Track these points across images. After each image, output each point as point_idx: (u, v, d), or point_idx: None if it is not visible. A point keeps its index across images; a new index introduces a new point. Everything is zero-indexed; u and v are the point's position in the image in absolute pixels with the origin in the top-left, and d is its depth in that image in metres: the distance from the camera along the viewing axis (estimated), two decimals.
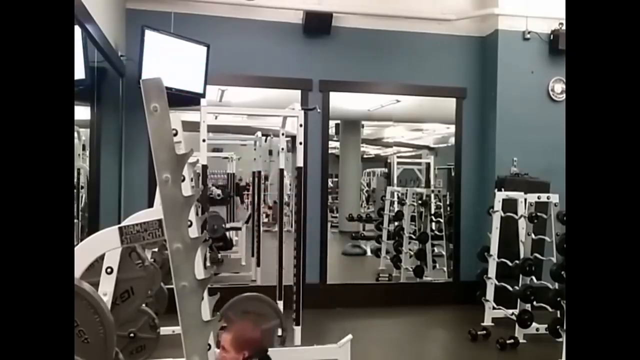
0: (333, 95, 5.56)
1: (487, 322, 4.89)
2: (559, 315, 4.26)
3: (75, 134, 4.17)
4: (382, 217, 6.97)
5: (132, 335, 2.39)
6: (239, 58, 5.27)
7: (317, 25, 5.39)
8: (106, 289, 2.02)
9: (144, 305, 2.37)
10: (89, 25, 3.47)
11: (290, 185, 6.16)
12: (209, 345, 2.23)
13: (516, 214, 4.76)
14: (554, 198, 4.64)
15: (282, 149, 4.26)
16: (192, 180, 2.60)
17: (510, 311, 4.65)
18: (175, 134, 2.01)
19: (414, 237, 6.44)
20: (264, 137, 6.03)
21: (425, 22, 5.63)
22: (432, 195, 6.73)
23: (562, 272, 4.03)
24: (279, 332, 3.15)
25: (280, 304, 3.95)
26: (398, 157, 7.75)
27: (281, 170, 4.27)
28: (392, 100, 6.26)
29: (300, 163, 3.91)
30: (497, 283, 4.84)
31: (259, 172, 6.07)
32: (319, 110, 5.08)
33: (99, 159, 4.62)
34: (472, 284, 5.24)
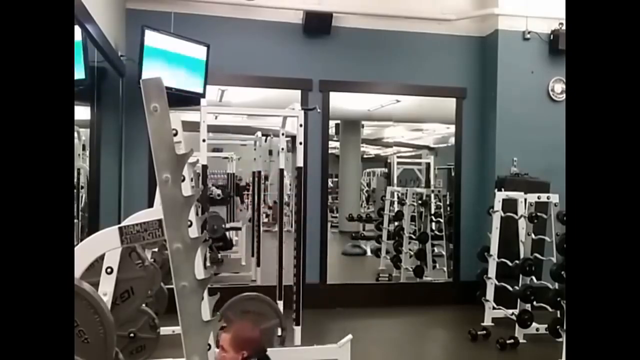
0: (333, 95, 5.56)
1: (487, 322, 4.89)
2: (559, 315, 4.26)
3: (75, 134, 4.18)
4: (382, 217, 6.97)
5: (132, 335, 2.39)
6: (239, 58, 5.28)
7: (317, 25, 5.39)
8: (106, 289, 2.02)
9: (144, 305, 2.37)
10: (89, 25, 3.47)
11: (290, 185, 6.17)
12: (209, 345, 2.23)
13: (516, 214, 4.76)
14: (554, 198, 4.64)
15: (282, 149, 4.26)
16: (192, 180, 2.61)
17: (510, 311, 4.65)
18: (175, 134, 2.01)
19: (414, 237, 6.44)
20: (264, 137, 6.03)
21: (425, 22, 5.63)
22: (432, 195, 6.73)
23: (562, 272, 4.03)
24: (279, 332, 3.15)
25: (280, 304, 3.95)
26: (398, 157, 7.74)
27: (281, 170, 4.27)
28: (392, 100, 6.26)
29: (300, 163, 3.91)
30: (497, 283, 4.84)
31: (259, 172, 6.07)
32: (319, 110, 5.08)
33: (99, 159, 4.62)
34: (472, 284, 5.24)
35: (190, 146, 1.85)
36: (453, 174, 6.01)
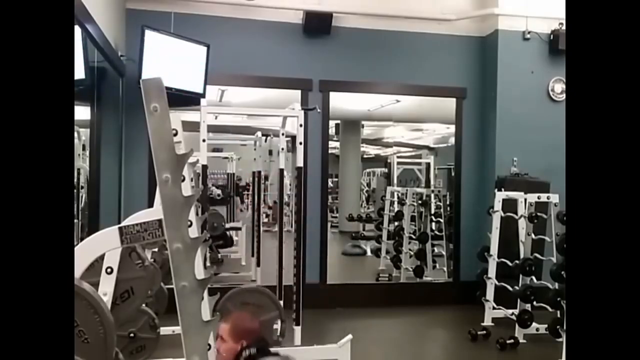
0: (333, 95, 5.56)
1: (487, 322, 4.89)
2: (559, 315, 4.26)
3: (75, 134, 4.17)
4: (382, 217, 6.97)
5: (132, 335, 2.38)
6: (239, 58, 5.28)
7: (317, 25, 5.39)
8: (106, 289, 2.01)
9: (144, 305, 2.37)
10: (89, 25, 3.47)
11: (290, 185, 6.16)
12: (209, 345, 2.22)
13: (516, 214, 4.76)
14: (554, 198, 4.64)
15: (282, 149, 4.26)
16: (192, 180, 2.61)
17: (510, 311, 4.65)
18: (175, 134, 2.01)
19: (414, 237, 6.45)
20: (264, 137, 6.03)
21: (425, 22, 5.63)
22: (432, 195, 6.73)
23: (562, 272, 4.03)
24: (278, 324, 3.14)
25: (281, 304, 3.95)
26: (398, 157, 7.75)
27: (281, 170, 4.27)
28: (392, 100, 6.26)
29: (300, 163, 3.91)
30: (497, 283, 4.84)
31: (259, 172, 6.07)
32: (319, 110, 5.08)
33: (99, 159, 4.62)
34: (472, 284, 5.24)
35: (190, 146, 1.85)
36: (453, 174, 6.01)
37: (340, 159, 7.42)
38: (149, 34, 4.48)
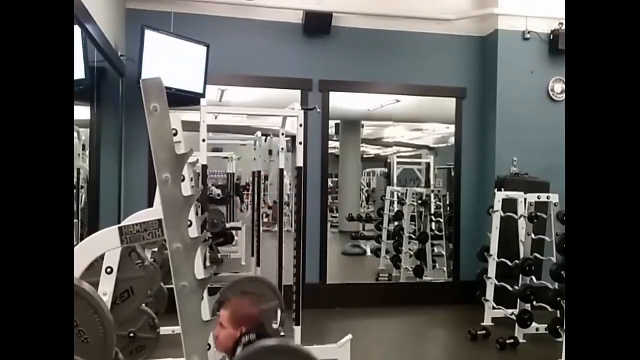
0: (333, 95, 5.56)
1: (487, 322, 4.89)
2: (559, 315, 4.25)
3: (75, 134, 4.17)
4: (382, 217, 6.97)
5: (132, 335, 2.38)
6: (239, 58, 5.28)
7: (317, 25, 5.39)
8: (106, 289, 2.01)
9: (144, 305, 2.37)
10: (89, 25, 3.47)
11: (290, 185, 6.16)
12: (209, 345, 2.23)
13: (516, 214, 4.76)
14: (554, 198, 4.64)
15: (282, 149, 4.25)
16: (192, 180, 2.61)
17: (510, 311, 4.65)
18: (175, 134, 2.01)
19: (414, 237, 6.44)
20: (264, 137, 6.03)
21: (425, 22, 5.63)
22: (432, 195, 6.73)
23: (562, 272, 4.03)
24: (279, 314, 3.12)
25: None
26: (398, 157, 7.75)
27: (281, 170, 4.26)
28: (392, 100, 6.26)
29: (300, 163, 3.90)
30: (497, 283, 4.84)
31: (259, 172, 6.06)
32: (319, 110, 5.08)
33: (99, 159, 4.62)
34: (472, 284, 5.24)
35: (190, 146, 1.85)
36: (453, 174, 6.01)
37: (340, 159, 7.42)
38: (149, 34, 4.48)
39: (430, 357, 4.65)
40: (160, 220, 1.57)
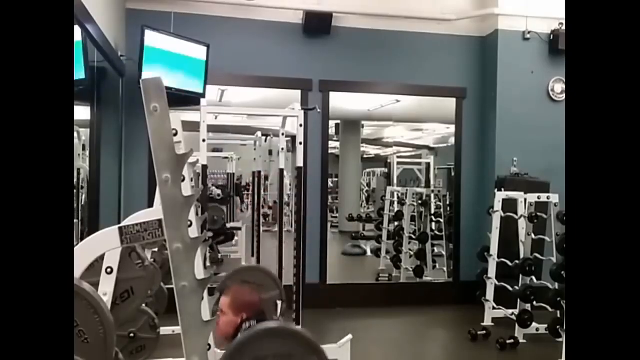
0: (333, 95, 5.56)
1: (487, 322, 4.89)
2: (559, 315, 4.26)
3: (75, 134, 4.17)
4: (382, 217, 6.97)
5: (132, 335, 2.39)
6: (239, 58, 5.28)
7: (317, 25, 5.39)
8: (106, 289, 2.02)
9: (144, 305, 2.37)
10: (89, 25, 3.47)
11: (290, 185, 6.16)
12: (209, 345, 2.23)
13: (516, 214, 4.76)
14: (554, 198, 4.64)
15: (282, 149, 4.25)
16: (192, 180, 2.61)
17: (510, 311, 4.65)
18: (175, 134, 2.01)
19: (414, 237, 6.44)
20: (264, 137, 6.03)
21: (425, 22, 5.63)
22: (432, 195, 6.73)
23: (562, 272, 4.03)
24: (279, 303, 3.12)
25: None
26: (398, 157, 7.75)
27: (281, 170, 4.26)
28: (392, 100, 6.26)
29: (300, 163, 3.90)
30: (497, 283, 4.84)
31: (259, 172, 6.07)
32: (319, 110, 5.08)
33: (99, 159, 4.62)
34: (472, 284, 5.24)
35: (190, 146, 1.85)
36: (453, 174, 6.01)
37: (340, 159, 7.42)
38: (149, 34, 4.48)
39: (430, 357, 4.65)
40: (160, 220, 1.57)
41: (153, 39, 4.51)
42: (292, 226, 4.99)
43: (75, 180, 4.26)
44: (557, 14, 5.31)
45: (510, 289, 4.71)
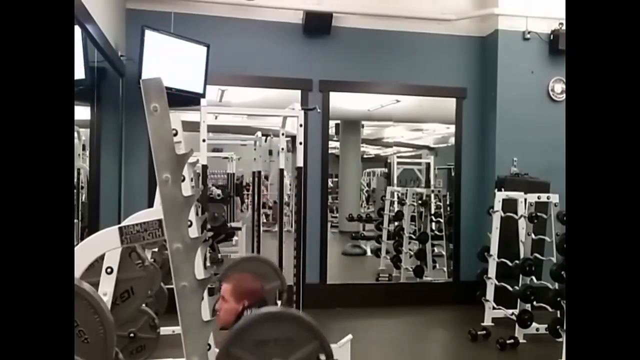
0: (333, 95, 5.56)
1: (487, 322, 4.89)
2: (559, 315, 4.26)
3: (75, 134, 4.17)
4: (382, 217, 6.97)
5: (132, 335, 2.39)
6: (239, 58, 5.27)
7: (317, 25, 5.39)
8: (106, 289, 2.02)
9: (144, 305, 2.37)
10: (89, 25, 3.47)
11: (290, 185, 6.16)
12: (209, 345, 2.22)
13: (516, 214, 4.76)
14: (554, 198, 4.64)
15: (282, 149, 4.26)
16: (192, 180, 2.60)
17: (510, 311, 4.65)
18: (175, 134, 2.01)
19: (414, 237, 6.44)
20: (264, 137, 6.03)
21: (425, 22, 5.63)
22: (432, 195, 6.73)
23: (562, 272, 4.03)
24: (280, 294, 3.11)
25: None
26: (398, 157, 7.75)
27: (281, 170, 4.27)
28: (392, 100, 6.26)
29: (300, 163, 3.91)
30: (497, 283, 4.84)
31: (259, 172, 6.07)
32: (319, 110, 5.08)
33: (99, 159, 4.62)
34: (472, 284, 5.24)
35: (190, 146, 1.85)
36: (453, 174, 6.01)
37: (340, 159, 7.42)
38: (149, 34, 4.48)
39: (430, 357, 4.65)
40: (160, 220, 1.57)
41: (153, 39, 4.51)
42: (292, 226, 4.99)
43: (75, 180, 4.26)
44: (557, 14, 5.31)
45: (510, 289, 4.71)
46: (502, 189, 4.96)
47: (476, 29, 5.78)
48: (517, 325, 4.47)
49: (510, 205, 4.81)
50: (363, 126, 7.62)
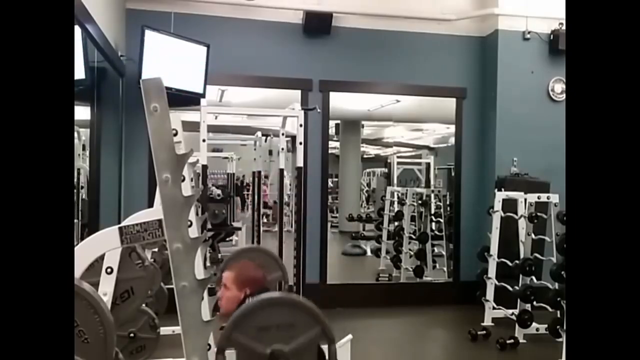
0: (333, 95, 5.56)
1: (487, 322, 4.89)
2: (559, 315, 4.26)
3: (75, 134, 4.18)
4: (382, 217, 6.97)
5: (132, 335, 2.39)
6: (239, 58, 5.27)
7: (317, 25, 5.39)
8: (106, 289, 2.01)
9: (144, 305, 2.37)
10: (89, 25, 3.47)
11: (290, 185, 6.16)
12: (209, 345, 2.22)
13: (516, 214, 4.76)
14: (554, 198, 4.64)
15: (282, 149, 4.26)
16: (192, 180, 2.61)
17: (510, 311, 4.65)
18: (175, 134, 2.01)
19: (414, 237, 6.44)
20: (264, 137, 6.03)
21: (425, 22, 5.63)
22: (432, 195, 6.73)
23: (562, 272, 4.03)
24: (281, 285, 3.10)
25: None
26: (398, 157, 7.75)
27: (281, 170, 4.27)
28: (392, 100, 6.26)
29: (300, 163, 3.91)
30: (497, 283, 4.84)
31: (259, 172, 6.07)
32: (319, 110, 5.08)
33: (99, 159, 4.62)
34: (472, 284, 5.24)
35: (190, 146, 1.85)
36: (453, 174, 6.01)
37: (340, 159, 7.42)
38: (149, 34, 4.48)
39: (430, 357, 4.65)
40: (160, 220, 1.57)
41: (153, 39, 4.51)
42: (292, 226, 4.99)
43: (75, 180, 4.26)
44: (557, 14, 5.31)
45: (510, 289, 4.71)
46: (502, 189, 4.96)
47: (476, 29, 5.78)
48: (517, 325, 4.47)
49: (510, 205, 4.81)
50: (363, 126, 7.62)
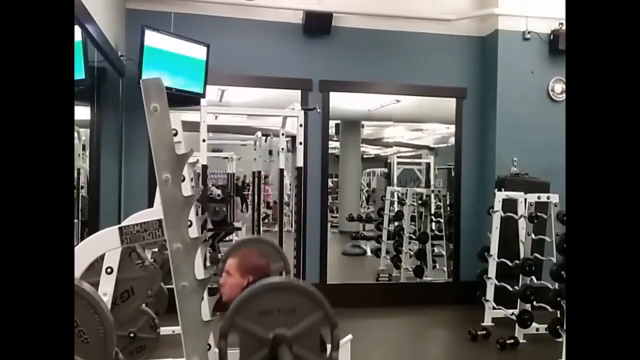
0: (333, 95, 5.56)
1: (487, 322, 4.89)
2: (559, 315, 4.26)
3: (75, 134, 4.18)
4: (382, 217, 6.97)
5: (132, 335, 2.38)
6: (239, 58, 5.27)
7: (317, 25, 5.39)
8: (106, 289, 2.01)
9: (144, 305, 2.37)
10: (89, 25, 3.47)
11: (290, 185, 6.17)
12: (209, 345, 2.22)
13: (516, 214, 4.76)
14: (554, 198, 4.64)
15: (282, 149, 4.26)
16: (192, 180, 2.60)
17: (510, 311, 4.65)
18: (175, 134, 2.01)
19: (414, 237, 6.44)
20: (264, 137, 6.04)
21: (425, 22, 5.63)
22: (432, 195, 6.73)
23: (562, 272, 4.03)
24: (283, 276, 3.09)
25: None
26: (398, 157, 7.75)
27: (281, 170, 4.27)
28: (392, 100, 6.26)
29: (300, 163, 3.91)
30: (497, 283, 4.84)
31: (259, 172, 6.07)
32: (319, 110, 5.08)
33: (99, 159, 4.63)
34: (472, 284, 5.24)
35: (190, 146, 1.85)
36: (453, 174, 6.01)
37: (340, 159, 7.42)
38: (149, 34, 4.48)
39: (430, 357, 4.65)
40: (160, 220, 1.57)
41: (153, 39, 4.51)
42: (292, 226, 5.00)
43: (75, 180, 4.26)
44: (557, 14, 5.32)
45: (510, 289, 4.71)
46: (502, 189, 4.96)
47: (476, 29, 5.78)
48: (517, 325, 4.47)
49: (510, 205, 4.81)
50: (363, 126, 7.62)
